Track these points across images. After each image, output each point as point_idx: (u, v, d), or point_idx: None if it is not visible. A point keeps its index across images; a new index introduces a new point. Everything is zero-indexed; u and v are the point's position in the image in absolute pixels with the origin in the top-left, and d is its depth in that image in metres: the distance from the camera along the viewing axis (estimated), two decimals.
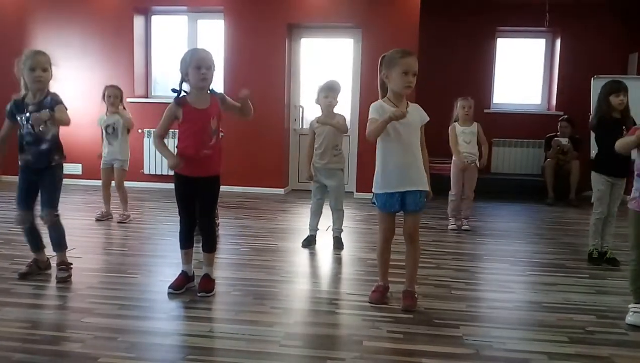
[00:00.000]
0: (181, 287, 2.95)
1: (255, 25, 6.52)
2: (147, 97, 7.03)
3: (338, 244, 4.03)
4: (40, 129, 2.98)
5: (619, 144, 2.83)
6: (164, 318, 2.63)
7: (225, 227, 4.61)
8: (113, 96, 4.69)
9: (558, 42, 7.27)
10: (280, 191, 6.67)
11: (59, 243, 3.17)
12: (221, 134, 3.00)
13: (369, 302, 2.85)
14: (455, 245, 4.29)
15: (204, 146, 2.83)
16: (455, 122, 4.80)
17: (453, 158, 4.80)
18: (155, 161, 6.76)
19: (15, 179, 3.13)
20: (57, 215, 3.13)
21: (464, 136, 4.76)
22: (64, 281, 3.08)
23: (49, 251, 3.23)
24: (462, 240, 4.44)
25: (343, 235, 4.10)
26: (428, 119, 2.81)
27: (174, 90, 2.86)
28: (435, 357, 2.25)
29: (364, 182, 6.34)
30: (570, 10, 6.90)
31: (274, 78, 6.57)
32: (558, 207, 6.19)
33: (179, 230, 3.00)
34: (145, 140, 6.74)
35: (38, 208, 3.14)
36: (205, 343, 2.33)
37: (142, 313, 2.67)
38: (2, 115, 3.10)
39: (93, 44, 6.79)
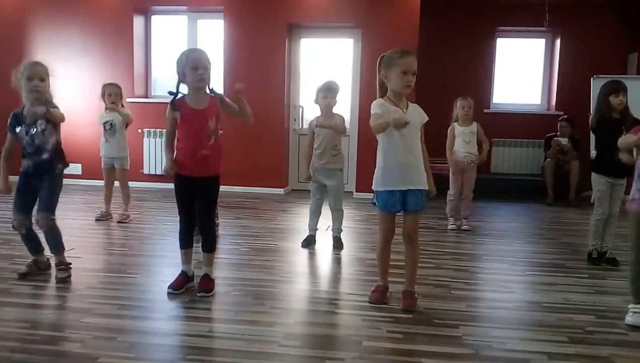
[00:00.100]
0: (181, 287, 2.95)
1: (255, 25, 6.52)
2: (146, 97, 7.03)
3: (338, 244, 4.03)
4: (38, 130, 2.98)
5: (621, 140, 2.85)
6: (164, 318, 2.63)
7: (225, 227, 4.61)
8: (114, 94, 4.69)
9: (558, 42, 7.27)
10: (280, 191, 6.67)
11: (56, 246, 3.17)
12: (220, 132, 3.00)
13: (369, 302, 2.85)
14: (454, 245, 4.29)
15: (202, 147, 2.83)
16: (455, 122, 4.80)
17: (452, 156, 4.79)
18: (155, 161, 6.75)
19: (15, 179, 3.12)
20: (53, 219, 3.12)
21: (463, 136, 4.75)
22: (64, 281, 3.08)
23: (49, 252, 3.23)
24: (461, 240, 4.44)
25: (343, 235, 4.10)
26: (427, 118, 2.82)
27: (170, 93, 2.86)
28: (435, 357, 2.25)
29: (364, 182, 6.34)
30: (570, 10, 6.91)
31: (273, 78, 6.57)
32: (558, 207, 6.19)
33: (178, 230, 3.00)
34: (145, 140, 6.75)
35: (34, 213, 3.14)
36: (204, 344, 2.33)
37: (142, 313, 2.66)
38: (2, 115, 3.11)
39: (93, 44, 6.79)
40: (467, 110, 4.75)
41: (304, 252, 3.94)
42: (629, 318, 2.66)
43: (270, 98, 6.51)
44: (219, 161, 2.95)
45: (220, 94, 2.90)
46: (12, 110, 3.10)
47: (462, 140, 4.76)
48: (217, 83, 6.36)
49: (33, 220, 3.14)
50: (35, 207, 3.13)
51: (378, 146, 2.78)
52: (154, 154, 6.74)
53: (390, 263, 2.93)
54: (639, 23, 6.83)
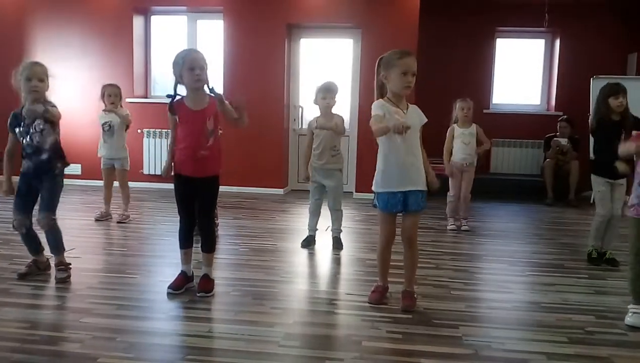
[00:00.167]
0: (180, 287, 2.95)
1: (254, 25, 6.52)
2: (146, 97, 7.02)
3: (337, 244, 4.03)
4: (37, 129, 2.99)
5: (622, 149, 2.83)
6: (163, 318, 2.63)
7: (225, 227, 4.61)
8: (113, 95, 4.69)
9: (557, 43, 7.27)
10: (280, 191, 6.67)
11: (57, 247, 3.17)
12: (220, 132, 3.00)
13: (368, 303, 2.85)
14: (454, 245, 4.29)
15: (201, 147, 2.83)
16: (454, 123, 4.80)
17: (451, 158, 4.79)
18: (154, 161, 6.75)
19: (16, 179, 3.13)
20: (54, 219, 3.12)
21: (462, 137, 4.76)
22: (63, 281, 3.08)
23: (48, 252, 3.23)
24: (461, 241, 4.44)
25: (342, 236, 4.10)
26: (426, 120, 2.82)
27: (168, 96, 2.87)
28: (434, 357, 2.25)
29: (364, 182, 6.34)
30: (569, 10, 6.91)
31: (273, 78, 6.57)
32: (557, 208, 6.19)
33: (178, 230, 3.01)
34: (145, 140, 6.75)
35: (35, 213, 3.14)
36: (204, 344, 2.33)
37: (141, 313, 2.66)
38: (2, 116, 3.11)
39: (93, 44, 6.79)
40: (467, 112, 4.75)
41: (304, 252, 3.94)
42: (629, 319, 2.66)
43: (270, 98, 6.51)
44: (219, 161, 2.95)
45: (219, 95, 2.88)
46: (12, 110, 3.10)
47: (462, 141, 4.76)
48: (217, 83, 6.39)
49: (34, 220, 3.15)
50: (36, 208, 3.13)
51: (379, 148, 2.77)
52: (154, 154, 6.74)
53: (390, 263, 2.93)
54: (639, 23, 6.84)
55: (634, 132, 2.98)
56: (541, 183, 6.64)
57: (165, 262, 3.54)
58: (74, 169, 6.63)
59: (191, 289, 2.98)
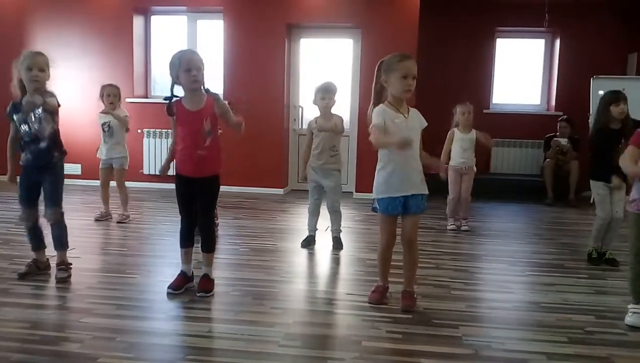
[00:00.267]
0: (180, 287, 2.95)
1: (254, 25, 6.52)
2: (146, 97, 7.02)
3: (337, 244, 4.03)
4: (35, 117, 2.98)
5: (621, 163, 2.78)
6: (163, 318, 2.63)
7: (225, 227, 4.61)
8: (112, 95, 4.68)
9: (557, 43, 7.27)
10: (280, 191, 6.67)
11: (61, 242, 3.18)
12: (220, 131, 3.01)
13: (368, 302, 2.85)
14: (454, 245, 4.29)
15: (198, 148, 2.84)
16: (455, 127, 4.80)
17: (450, 162, 4.80)
18: (154, 161, 6.75)
19: (16, 178, 3.13)
20: (62, 213, 3.15)
21: (462, 143, 4.76)
22: (64, 281, 3.08)
23: (49, 251, 3.23)
24: (461, 241, 4.44)
25: (342, 236, 4.10)
26: (427, 124, 2.81)
27: (166, 99, 2.87)
28: (434, 357, 2.25)
29: (363, 182, 6.34)
30: (569, 10, 6.91)
31: (273, 78, 6.57)
32: (557, 208, 6.19)
33: (179, 229, 3.01)
34: (145, 140, 6.75)
35: (41, 208, 3.14)
36: (204, 344, 2.33)
37: (141, 313, 2.67)
38: (1, 116, 3.11)
39: (93, 44, 6.79)
40: (468, 116, 4.75)
41: (304, 252, 3.94)
42: (629, 319, 2.67)
43: (270, 98, 6.51)
44: (218, 161, 2.95)
45: (216, 94, 2.86)
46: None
47: (460, 146, 4.76)
48: (216, 83, 6.39)
49: (41, 215, 3.15)
50: (41, 204, 3.13)
51: (379, 153, 2.76)
52: (154, 154, 6.74)
53: (390, 263, 2.93)
54: (639, 23, 6.84)
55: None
56: (541, 183, 6.64)
57: (165, 262, 3.54)
58: (74, 169, 6.65)
59: (191, 289, 2.98)
